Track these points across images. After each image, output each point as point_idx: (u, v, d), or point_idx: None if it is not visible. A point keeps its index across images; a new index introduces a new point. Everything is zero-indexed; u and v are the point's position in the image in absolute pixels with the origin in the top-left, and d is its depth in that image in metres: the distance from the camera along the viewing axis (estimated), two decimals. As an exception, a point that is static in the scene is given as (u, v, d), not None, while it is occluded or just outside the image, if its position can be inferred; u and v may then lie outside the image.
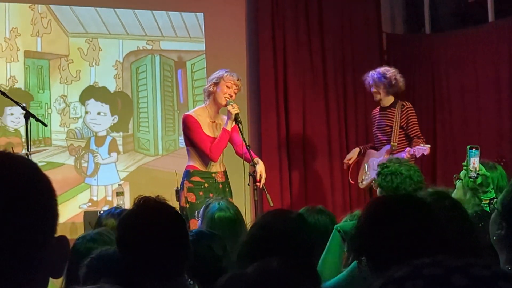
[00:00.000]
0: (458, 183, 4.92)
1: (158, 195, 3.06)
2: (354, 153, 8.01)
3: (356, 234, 2.52)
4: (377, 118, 7.89)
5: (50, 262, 1.37)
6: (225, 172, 6.76)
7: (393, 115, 7.79)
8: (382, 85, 7.78)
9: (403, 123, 7.76)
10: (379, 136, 7.86)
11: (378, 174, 5.06)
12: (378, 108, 7.96)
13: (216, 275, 3.28)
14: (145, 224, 2.92)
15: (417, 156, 7.56)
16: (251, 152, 6.61)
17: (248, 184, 6.68)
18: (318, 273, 2.99)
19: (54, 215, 1.39)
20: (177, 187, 6.71)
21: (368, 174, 7.72)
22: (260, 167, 6.58)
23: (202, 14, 8.99)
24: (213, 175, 6.66)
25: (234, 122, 6.62)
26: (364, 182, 7.80)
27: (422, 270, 0.99)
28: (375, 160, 7.63)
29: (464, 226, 3.16)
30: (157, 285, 2.84)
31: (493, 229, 2.46)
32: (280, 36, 9.22)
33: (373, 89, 7.83)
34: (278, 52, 9.20)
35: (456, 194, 4.90)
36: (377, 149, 7.88)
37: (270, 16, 9.20)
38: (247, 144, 6.60)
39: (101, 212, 5.36)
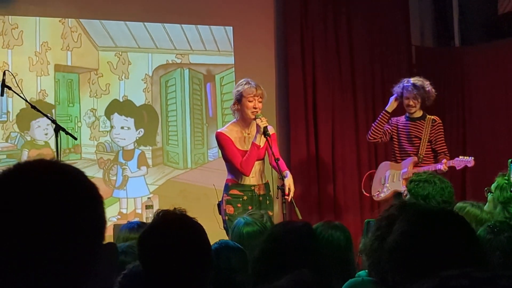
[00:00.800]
0: (489, 196, 4.90)
1: (176, 208, 3.05)
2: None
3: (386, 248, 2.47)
4: (404, 128, 7.77)
5: (98, 268, 1.38)
6: (266, 185, 6.78)
7: (423, 127, 7.70)
8: (421, 98, 7.69)
9: (432, 137, 7.69)
10: (406, 147, 7.72)
11: (411, 181, 5.07)
12: (402, 118, 7.85)
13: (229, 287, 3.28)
14: (165, 238, 2.90)
15: (458, 168, 7.50)
16: (280, 164, 6.61)
17: (277, 197, 6.69)
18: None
19: (102, 221, 1.40)
20: (219, 201, 6.75)
21: (387, 186, 7.64)
22: (289, 180, 6.57)
23: (231, 27, 9.02)
24: (253, 187, 6.68)
25: (263, 136, 6.63)
26: (382, 195, 7.69)
27: (449, 282, 0.98)
28: (396, 172, 7.56)
29: None
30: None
31: None
32: (309, 49, 9.22)
33: (411, 102, 7.69)
34: (307, 65, 9.19)
35: (488, 207, 4.89)
36: (396, 161, 7.75)
37: (299, 29, 9.19)
38: (276, 157, 6.61)
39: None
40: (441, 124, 7.81)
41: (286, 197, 6.52)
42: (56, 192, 1.33)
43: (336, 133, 9.18)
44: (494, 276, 0.98)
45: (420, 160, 7.61)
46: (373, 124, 7.93)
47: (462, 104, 9.54)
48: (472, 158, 7.51)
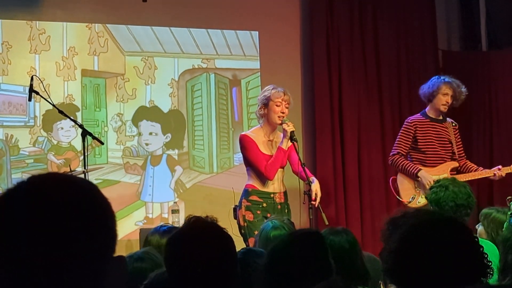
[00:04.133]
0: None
1: (208, 216, 3.05)
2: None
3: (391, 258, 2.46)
4: (434, 131, 7.47)
5: (109, 280, 1.38)
6: (285, 193, 6.76)
7: (448, 130, 7.52)
8: (460, 99, 7.48)
9: (456, 142, 7.56)
10: (439, 150, 7.44)
11: (431, 188, 5.08)
12: (419, 116, 7.56)
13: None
14: (194, 244, 2.91)
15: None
16: (307, 170, 6.59)
17: (304, 203, 6.67)
18: None
19: (113, 236, 1.41)
20: (235, 205, 6.73)
21: (426, 192, 7.48)
22: (316, 186, 6.56)
23: (257, 32, 9.02)
24: (272, 195, 6.66)
25: (289, 141, 6.62)
26: (420, 200, 7.24)
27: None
28: (435, 177, 7.32)
29: None
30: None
31: None
32: (335, 54, 9.20)
33: (449, 98, 7.42)
34: (333, 69, 9.17)
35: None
36: (425, 164, 7.40)
37: (324, 33, 9.18)
38: (303, 162, 6.60)
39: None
40: (458, 127, 7.66)
41: (313, 202, 6.51)
42: (67, 207, 1.34)
43: (362, 139, 9.14)
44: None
45: (459, 165, 7.47)
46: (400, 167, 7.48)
47: (489, 109, 9.48)
48: None
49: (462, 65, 9.76)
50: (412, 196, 7.42)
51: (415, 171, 7.31)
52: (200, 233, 2.95)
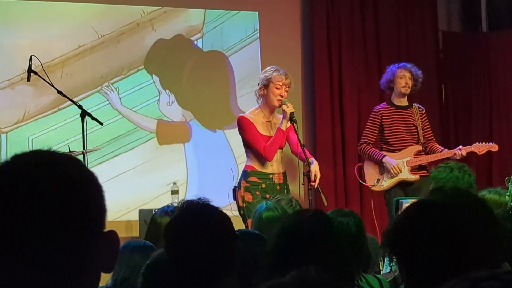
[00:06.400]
0: (510, 186, 4.90)
1: (200, 198, 3.05)
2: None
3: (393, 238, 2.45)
4: (400, 116, 7.64)
5: (100, 256, 1.39)
6: (284, 174, 6.77)
7: (414, 115, 7.66)
8: (414, 80, 7.63)
9: (422, 125, 7.65)
10: (405, 135, 7.60)
11: (438, 166, 5.12)
12: (384, 106, 7.76)
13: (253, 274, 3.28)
14: (190, 227, 2.90)
15: (480, 153, 7.48)
16: (306, 151, 6.60)
17: (303, 184, 6.69)
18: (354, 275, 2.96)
19: (102, 210, 1.41)
20: (235, 186, 6.74)
21: (389, 175, 7.52)
22: (315, 167, 6.57)
23: (257, 12, 9.00)
24: (271, 176, 6.67)
25: (289, 122, 6.62)
26: (384, 183, 7.53)
27: (480, 284, 0.98)
28: (399, 161, 7.44)
29: None
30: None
31: None
32: (335, 34, 9.18)
33: (407, 80, 7.59)
34: (333, 51, 9.16)
35: (510, 198, 4.89)
36: (391, 150, 7.61)
37: (325, 15, 9.15)
38: (302, 143, 6.60)
39: (156, 210, 5.40)
40: (425, 111, 7.78)
41: (312, 183, 6.52)
42: (53, 183, 1.35)
43: (362, 119, 9.14)
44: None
45: (423, 148, 7.58)
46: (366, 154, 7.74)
47: (489, 89, 9.48)
48: (493, 143, 7.48)
49: (462, 46, 9.77)
50: (377, 179, 7.61)
51: (380, 158, 7.57)
52: (195, 215, 2.95)
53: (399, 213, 2.48)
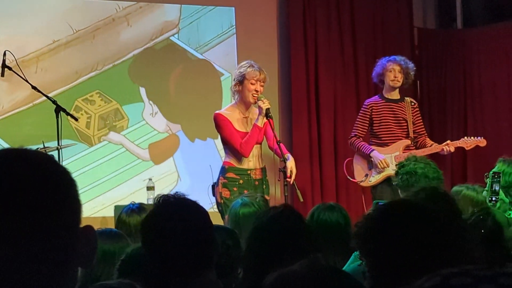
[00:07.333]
0: (489, 181, 4.93)
1: (176, 192, 3.04)
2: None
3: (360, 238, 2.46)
4: (390, 110, 7.58)
5: (77, 252, 1.38)
6: (263, 169, 6.76)
7: (405, 109, 7.61)
8: (405, 73, 7.57)
9: (414, 119, 7.63)
10: (395, 129, 7.55)
11: (396, 173, 5.10)
12: (376, 99, 7.71)
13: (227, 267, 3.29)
14: (168, 222, 2.89)
15: (468, 148, 7.49)
16: (282, 147, 6.61)
17: (279, 180, 6.69)
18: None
19: (77, 205, 1.40)
20: (213, 183, 6.74)
21: (377, 171, 7.52)
22: (291, 163, 6.58)
23: (233, 8, 8.98)
24: (249, 172, 6.66)
25: (265, 118, 6.62)
26: (371, 179, 7.49)
27: (450, 280, 0.98)
28: (386, 156, 7.44)
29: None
30: (186, 283, 2.83)
31: None
32: (311, 31, 9.19)
33: (397, 73, 7.52)
34: (310, 47, 9.17)
35: (488, 192, 4.93)
36: (381, 144, 7.56)
37: (301, 10, 9.16)
38: (278, 139, 6.60)
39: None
40: (418, 105, 7.77)
41: (288, 179, 6.53)
42: (26, 180, 1.34)
43: (338, 114, 9.17)
44: (495, 274, 0.98)
45: (412, 143, 7.58)
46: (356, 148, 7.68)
47: (464, 86, 9.53)
48: (482, 137, 7.48)
49: (438, 43, 9.81)
50: (365, 175, 7.58)
51: (368, 152, 7.51)
52: (172, 209, 2.94)
53: (366, 215, 2.50)
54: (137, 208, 4.70)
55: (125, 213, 4.68)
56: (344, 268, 3.67)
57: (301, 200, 6.37)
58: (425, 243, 2.30)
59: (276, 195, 6.75)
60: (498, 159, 5.02)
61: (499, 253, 3.60)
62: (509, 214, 4.83)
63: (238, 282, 3.28)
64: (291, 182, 6.52)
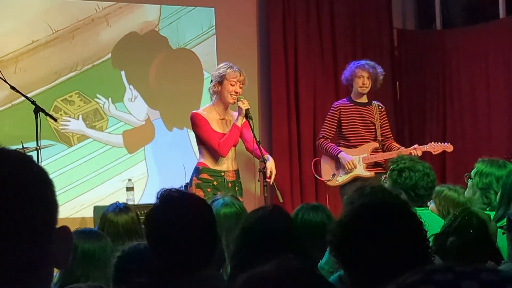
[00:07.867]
0: (469, 182, 4.95)
1: (181, 186, 3.06)
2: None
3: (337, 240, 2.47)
4: (358, 113, 7.67)
5: (53, 252, 1.38)
6: (236, 171, 6.76)
7: (373, 113, 7.71)
8: (373, 79, 7.66)
9: (381, 123, 7.70)
10: (362, 132, 7.65)
11: (392, 170, 5.03)
12: (345, 101, 7.79)
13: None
14: (172, 215, 2.91)
15: (435, 153, 7.57)
16: (261, 148, 6.61)
17: (258, 180, 6.70)
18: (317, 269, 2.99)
19: (53, 205, 1.39)
20: (186, 183, 6.73)
21: (345, 171, 7.55)
22: (270, 164, 6.58)
23: (213, 8, 8.99)
24: (223, 173, 6.66)
25: (244, 118, 6.62)
26: (339, 179, 7.59)
27: (433, 276, 0.99)
28: (354, 157, 7.49)
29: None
30: (188, 278, 2.83)
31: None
32: (291, 31, 9.21)
33: (365, 80, 7.60)
34: (289, 48, 9.18)
35: (468, 193, 4.95)
36: (348, 146, 7.66)
37: (281, 10, 9.17)
38: (258, 140, 6.60)
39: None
40: (385, 109, 7.84)
41: (268, 180, 6.53)
42: (2, 180, 1.33)
43: (317, 115, 9.18)
44: (477, 270, 0.99)
45: (380, 146, 7.65)
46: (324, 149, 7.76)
47: (443, 87, 9.57)
48: (449, 143, 7.57)
49: (417, 44, 9.85)
50: (332, 174, 7.68)
51: (336, 153, 7.63)
52: (175, 202, 2.95)
53: (338, 221, 2.51)
54: (124, 207, 4.67)
55: (112, 212, 4.64)
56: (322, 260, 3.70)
57: (281, 200, 6.39)
58: (398, 242, 2.33)
59: (256, 195, 6.73)
60: (478, 160, 5.03)
61: (489, 249, 3.65)
62: None
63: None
64: (271, 183, 6.53)
